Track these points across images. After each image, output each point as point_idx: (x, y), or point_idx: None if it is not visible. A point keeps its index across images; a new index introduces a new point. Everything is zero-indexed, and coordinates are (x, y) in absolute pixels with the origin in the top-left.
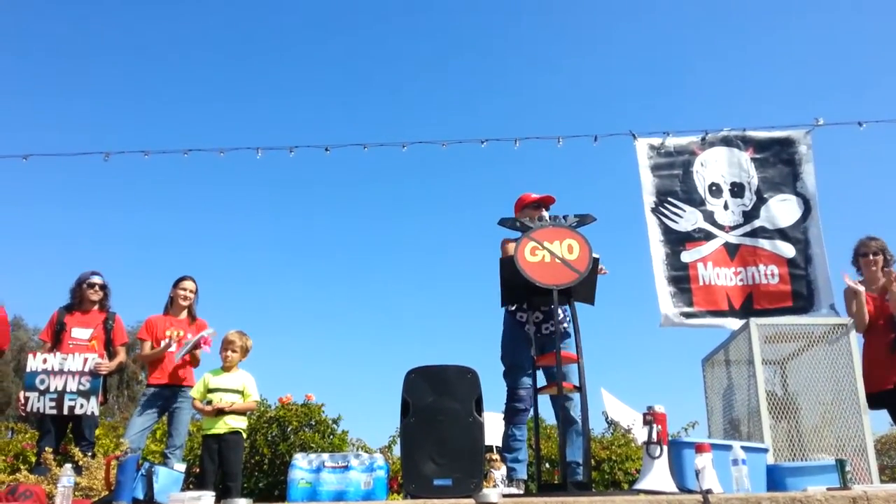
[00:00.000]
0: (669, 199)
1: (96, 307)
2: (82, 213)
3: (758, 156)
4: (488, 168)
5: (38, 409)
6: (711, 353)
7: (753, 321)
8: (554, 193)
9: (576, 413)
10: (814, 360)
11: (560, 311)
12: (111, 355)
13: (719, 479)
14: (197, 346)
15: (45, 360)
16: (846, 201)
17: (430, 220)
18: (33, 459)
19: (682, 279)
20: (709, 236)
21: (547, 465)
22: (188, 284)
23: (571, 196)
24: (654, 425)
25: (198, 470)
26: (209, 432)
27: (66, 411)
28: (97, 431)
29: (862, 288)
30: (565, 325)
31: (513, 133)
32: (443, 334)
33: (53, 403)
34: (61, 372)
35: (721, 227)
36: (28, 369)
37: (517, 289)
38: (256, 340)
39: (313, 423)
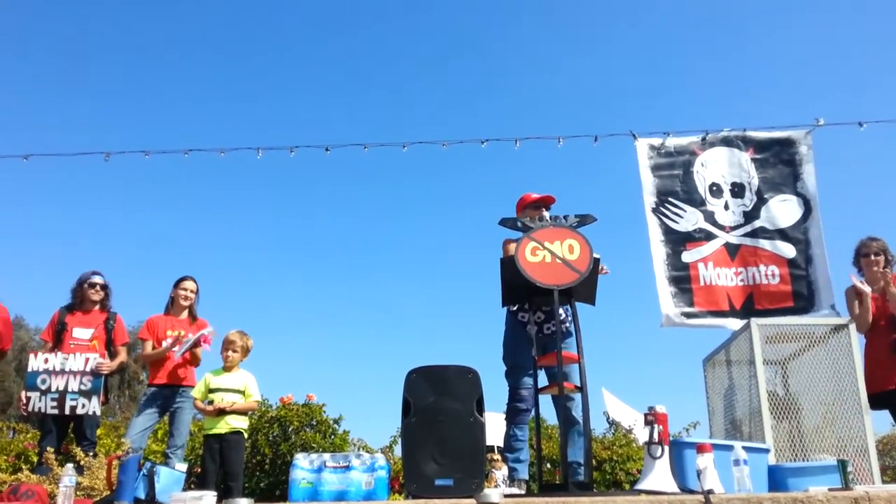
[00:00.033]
0: (670, 199)
1: (97, 307)
2: (83, 212)
3: (758, 156)
4: (489, 168)
5: (40, 408)
6: (712, 353)
7: (754, 321)
8: (554, 193)
9: (577, 413)
10: (815, 361)
11: (561, 311)
12: (112, 355)
13: (721, 479)
14: (197, 344)
15: (46, 360)
16: (847, 201)
17: (431, 220)
18: (35, 459)
19: (682, 279)
20: (709, 236)
21: (548, 466)
22: (189, 284)
23: (572, 196)
24: (656, 425)
25: (199, 470)
26: (210, 432)
27: (67, 411)
28: (99, 431)
29: (868, 289)
30: (567, 325)
31: (513, 133)
32: (443, 334)
33: (55, 403)
34: (63, 372)
35: (722, 228)
36: (29, 369)
37: (518, 289)
38: (257, 340)
39: (314, 423)
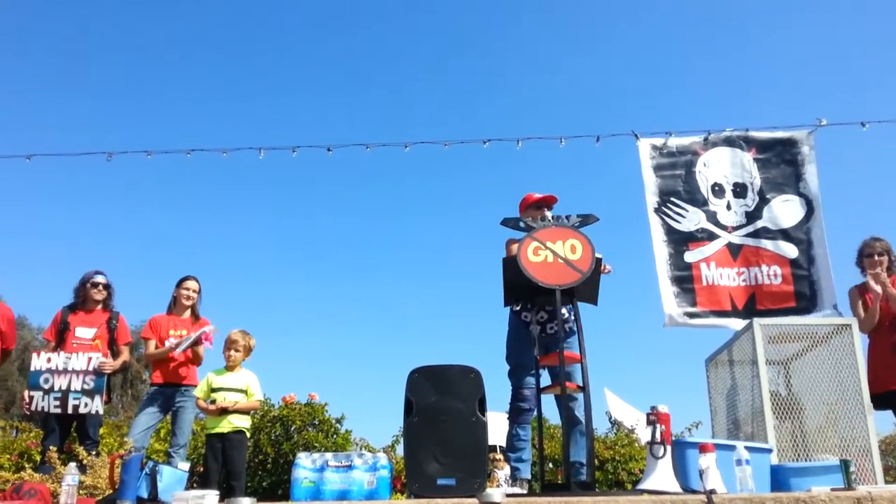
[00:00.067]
0: (672, 199)
1: (100, 307)
2: (86, 212)
3: (760, 156)
4: (491, 168)
5: (43, 408)
6: (715, 353)
7: (757, 321)
8: (556, 193)
9: (580, 413)
10: (817, 361)
11: (564, 310)
12: (115, 354)
13: (723, 479)
14: (198, 342)
15: (49, 360)
16: (849, 202)
17: (433, 220)
18: (38, 458)
19: (685, 279)
20: (712, 236)
21: (550, 465)
22: (191, 284)
23: (574, 196)
24: (658, 425)
25: (201, 469)
26: (213, 431)
27: (70, 410)
28: (101, 430)
29: (879, 289)
30: (570, 324)
31: (514, 133)
32: (446, 334)
33: (58, 402)
34: (65, 371)
35: (724, 228)
36: (32, 368)
37: (520, 289)
38: (260, 340)
39: (317, 423)
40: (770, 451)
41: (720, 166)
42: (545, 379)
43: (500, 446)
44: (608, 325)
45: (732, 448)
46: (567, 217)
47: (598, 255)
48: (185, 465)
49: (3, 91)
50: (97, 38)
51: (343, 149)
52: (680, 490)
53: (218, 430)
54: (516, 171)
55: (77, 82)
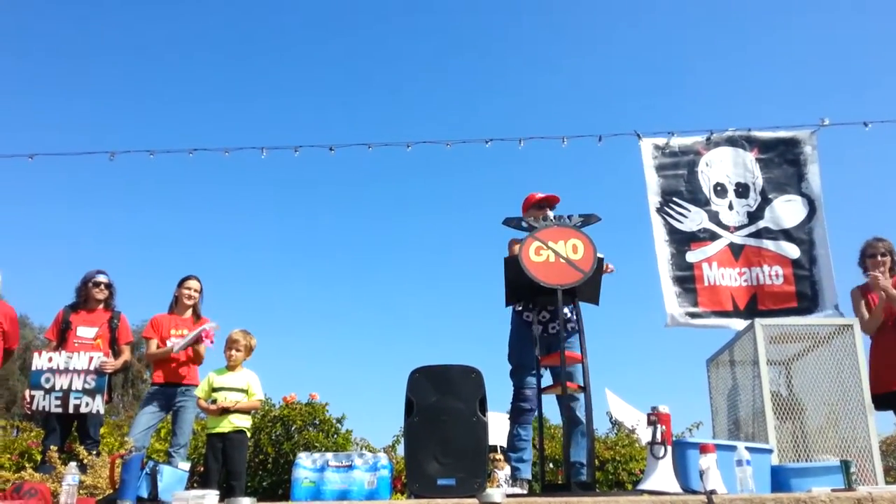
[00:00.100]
0: (674, 198)
1: (101, 306)
2: (87, 212)
3: (763, 156)
4: (492, 168)
5: (44, 407)
6: (716, 353)
7: (758, 321)
8: (558, 193)
9: (581, 413)
10: (819, 361)
11: (567, 310)
12: (116, 354)
13: (723, 479)
14: (199, 340)
15: (50, 359)
16: (851, 202)
17: (435, 220)
18: (38, 458)
19: (687, 279)
20: (714, 236)
21: (551, 465)
22: (193, 284)
23: (576, 196)
24: (659, 426)
25: (202, 469)
26: (213, 431)
27: (71, 410)
28: (102, 430)
29: (889, 284)
30: (572, 324)
31: (515, 133)
32: (447, 334)
33: (59, 402)
34: (66, 370)
35: (726, 228)
36: (33, 368)
37: (522, 288)
38: (261, 340)
39: (317, 423)
40: (771, 451)
41: (722, 166)
42: (547, 379)
43: (501, 446)
44: (609, 325)
45: (733, 448)
46: (569, 217)
47: (599, 254)
48: (186, 465)
49: (3, 91)
50: (97, 38)
51: (345, 148)
52: (680, 490)
53: (218, 429)
54: (518, 170)
55: (77, 82)
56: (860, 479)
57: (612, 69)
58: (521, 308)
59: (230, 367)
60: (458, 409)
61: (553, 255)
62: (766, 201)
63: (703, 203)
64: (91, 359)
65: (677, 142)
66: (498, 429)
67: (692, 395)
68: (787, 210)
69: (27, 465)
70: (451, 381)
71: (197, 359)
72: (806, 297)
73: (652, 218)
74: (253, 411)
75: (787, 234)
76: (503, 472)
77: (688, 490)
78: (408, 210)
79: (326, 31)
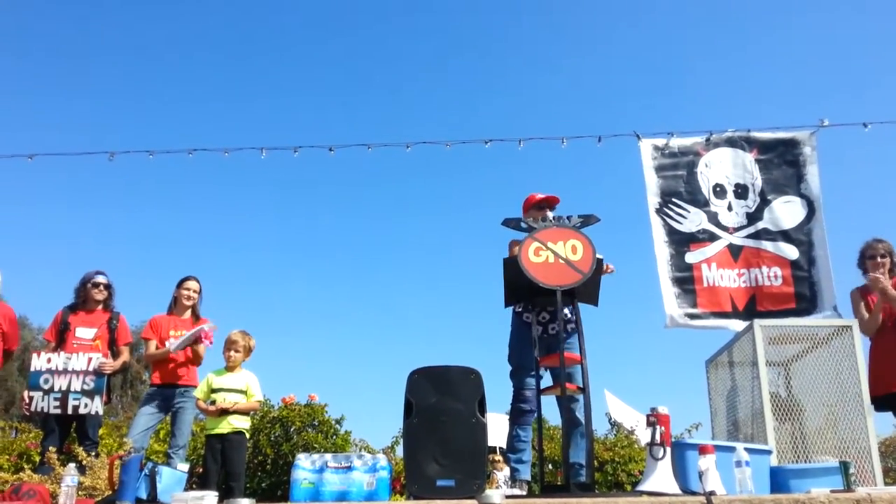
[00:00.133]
0: (674, 199)
1: (100, 307)
2: (87, 212)
3: (762, 157)
4: (492, 168)
5: (43, 408)
6: (715, 354)
7: (757, 323)
8: (558, 194)
9: (581, 414)
10: (818, 362)
11: (567, 311)
12: (115, 355)
13: (723, 480)
14: (197, 340)
15: (49, 360)
16: (850, 202)
17: (434, 221)
18: (37, 459)
19: (686, 280)
20: (713, 237)
21: (550, 467)
22: (192, 284)
23: (575, 196)
24: (658, 427)
25: (201, 470)
26: (212, 432)
27: (70, 411)
28: (101, 431)
29: (888, 284)
30: (571, 325)
31: (515, 133)
32: (446, 335)
33: (57, 403)
34: (65, 371)
35: (725, 229)
36: (32, 369)
37: (521, 289)
38: (260, 340)
39: (316, 424)
40: (770, 452)
41: (722, 167)
42: (547, 380)
43: (500, 447)
44: (609, 326)
45: (732, 449)
46: (568, 217)
47: (598, 255)
48: (185, 466)
49: (3, 91)
50: (97, 38)
51: (345, 149)
52: (679, 492)
53: (217, 430)
54: (517, 171)
55: (77, 82)
56: (859, 481)
57: (612, 69)
58: (520, 309)
59: (229, 368)
60: (458, 410)
61: (552, 256)
62: (765, 202)
63: (702, 204)
64: (90, 360)
65: (677, 142)
66: (497, 430)
67: (691, 396)
68: (787, 211)
69: (26, 466)
70: (451, 382)
71: (196, 360)
72: (805, 299)
73: (651, 219)
74: (252, 412)
75: (785, 236)
76: (502, 473)
77: (687, 491)
78: (407, 210)
79: (326, 31)
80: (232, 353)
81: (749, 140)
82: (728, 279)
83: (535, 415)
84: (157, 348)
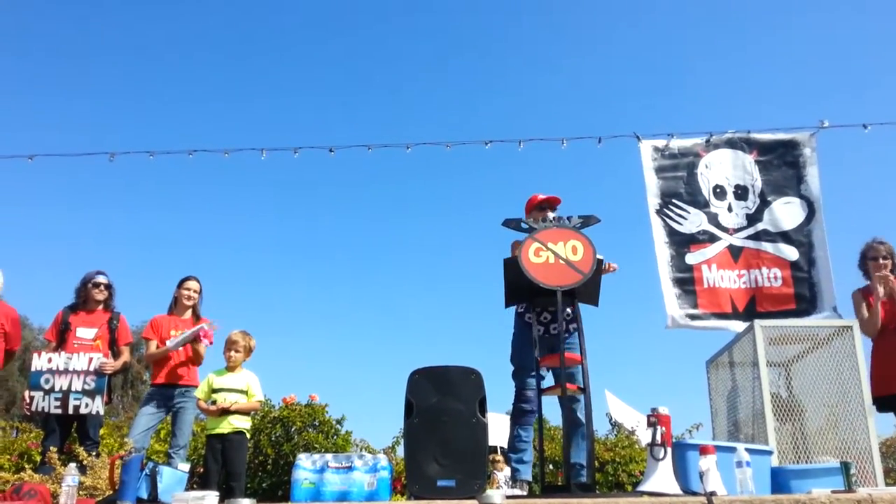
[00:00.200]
0: (674, 200)
1: (101, 307)
2: (87, 213)
3: (762, 158)
4: (492, 169)
5: (43, 408)
6: (716, 354)
7: (758, 323)
8: (558, 195)
9: (582, 415)
10: (818, 363)
11: (569, 311)
12: (115, 355)
13: (723, 481)
14: (197, 338)
15: (49, 360)
16: (850, 203)
17: (434, 221)
18: (38, 459)
19: (686, 281)
20: (713, 238)
21: (550, 467)
22: (192, 284)
23: (575, 197)
24: (658, 427)
25: (202, 470)
26: (213, 432)
27: (70, 411)
28: (101, 431)
29: (882, 290)
30: (573, 325)
31: (515, 134)
32: (447, 335)
33: (58, 403)
34: (66, 371)
35: (725, 230)
36: (33, 369)
37: (521, 290)
38: (260, 341)
39: (317, 424)
40: (770, 453)
41: (722, 168)
42: (549, 380)
43: (501, 447)
44: (609, 326)
45: (733, 450)
46: (568, 218)
47: (599, 256)
48: (185, 466)
49: (3, 91)
50: (97, 38)
51: (345, 150)
52: (680, 492)
53: (218, 430)
54: (518, 172)
55: (77, 82)
56: (860, 481)
57: (612, 69)
58: (522, 310)
59: (230, 368)
60: (458, 411)
61: (552, 257)
62: (764, 203)
63: (702, 205)
64: (90, 360)
65: (677, 144)
66: (498, 430)
67: (692, 397)
68: (786, 212)
69: (27, 466)
70: (451, 382)
71: (196, 359)
72: (804, 299)
73: (651, 220)
74: (253, 412)
75: (785, 237)
76: (502, 473)
77: (688, 492)
78: (407, 211)
79: (326, 31)
80: (232, 353)
81: (749, 141)
82: (728, 280)
83: (537, 415)
84: (158, 348)
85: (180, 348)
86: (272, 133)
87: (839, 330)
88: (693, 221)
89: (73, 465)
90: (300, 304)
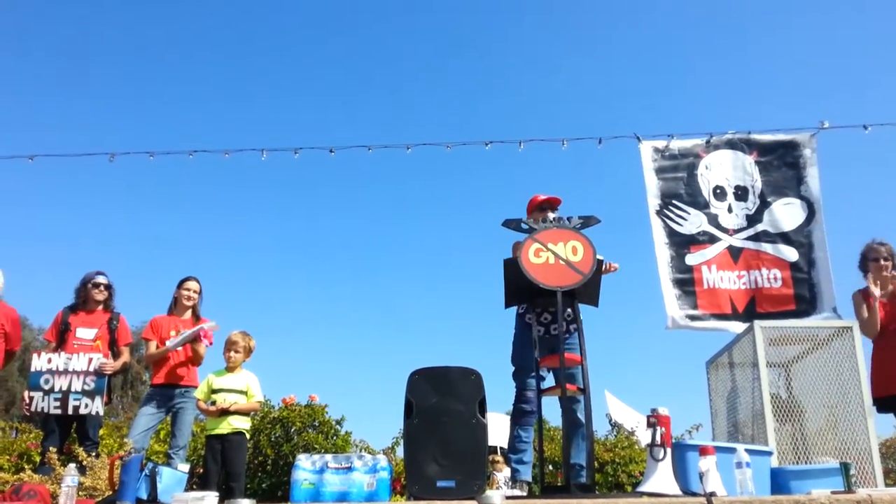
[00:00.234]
0: (674, 201)
1: (101, 307)
2: (87, 213)
3: (762, 159)
4: (492, 170)
5: (43, 408)
6: (716, 355)
7: (758, 324)
8: (558, 195)
9: (582, 415)
10: (818, 363)
11: (569, 312)
12: (115, 355)
13: (723, 481)
14: (197, 338)
15: (49, 360)
16: (850, 204)
17: (434, 222)
18: (38, 459)
19: (686, 282)
20: (713, 239)
21: (550, 467)
22: (192, 285)
23: (575, 198)
24: (658, 428)
25: (201, 470)
26: (213, 433)
27: (70, 411)
28: (101, 431)
29: (878, 292)
30: (573, 326)
31: (515, 134)
32: (447, 336)
33: (58, 403)
34: (66, 372)
35: (725, 231)
36: (33, 369)
37: (521, 290)
38: (260, 341)
39: (317, 424)
40: (770, 453)
41: (722, 169)
42: (550, 381)
43: (501, 448)
44: (609, 326)
45: (733, 451)
46: (568, 218)
47: (599, 256)
48: (185, 467)
49: (3, 91)
50: (97, 38)
51: (345, 150)
52: (680, 493)
53: (217, 431)
54: (518, 172)
55: (77, 82)
56: (860, 482)
57: (612, 69)
58: (522, 310)
59: (229, 369)
60: (458, 411)
61: (552, 257)
62: (764, 204)
63: (702, 206)
64: (90, 360)
65: (677, 144)
66: (497, 430)
67: (692, 398)
68: (786, 213)
69: (26, 466)
70: (451, 382)
71: (196, 360)
72: (804, 300)
73: (651, 220)
74: (252, 413)
75: (785, 238)
76: (502, 473)
77: (687, 492)
78: (407, 212)
79: (326, 31)
80: (232, 353)
81: (749, 142)
82: (728, 281)
83: (537, 415)
84: (158, 348)
85: (180, 348)
86: (272, 133)
87: (839, 331)
88: (693, 222)
89: (72, 465)
90: (300, 304)
